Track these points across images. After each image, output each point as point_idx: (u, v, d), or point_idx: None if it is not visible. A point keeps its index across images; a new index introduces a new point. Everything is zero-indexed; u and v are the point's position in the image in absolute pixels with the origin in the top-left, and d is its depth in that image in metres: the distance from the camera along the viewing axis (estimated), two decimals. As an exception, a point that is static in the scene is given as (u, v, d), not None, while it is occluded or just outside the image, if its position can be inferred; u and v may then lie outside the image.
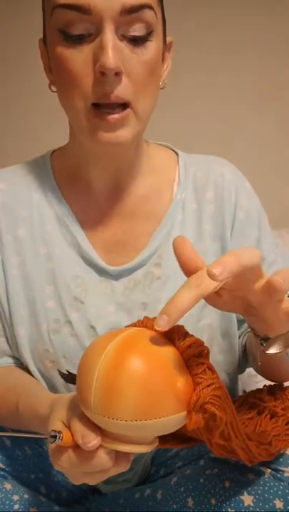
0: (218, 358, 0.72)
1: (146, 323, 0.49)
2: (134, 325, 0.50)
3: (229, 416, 0.48)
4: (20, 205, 0.71)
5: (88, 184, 0.71)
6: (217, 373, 0.47)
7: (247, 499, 0.58)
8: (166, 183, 0.74)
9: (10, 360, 0.73)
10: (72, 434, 0.46)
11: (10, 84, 1.82)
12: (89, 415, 0.44)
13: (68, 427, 0.47)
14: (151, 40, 0.59)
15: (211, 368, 0.47)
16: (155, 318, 0.47)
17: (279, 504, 0.56)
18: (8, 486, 0.65)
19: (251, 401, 0.67)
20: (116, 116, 0.58)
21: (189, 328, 0.49)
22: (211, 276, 0.42)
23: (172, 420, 0.44)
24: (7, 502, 0.63)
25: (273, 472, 0.58)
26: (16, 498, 0.64)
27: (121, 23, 0.56)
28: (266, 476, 0.58)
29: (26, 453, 0.72)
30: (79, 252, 0.70)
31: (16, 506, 0.64)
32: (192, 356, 0.46)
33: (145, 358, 0.43)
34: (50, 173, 0.73)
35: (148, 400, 0.42)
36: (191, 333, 0.49)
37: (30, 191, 0.72)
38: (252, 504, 0.57)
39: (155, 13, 0.58)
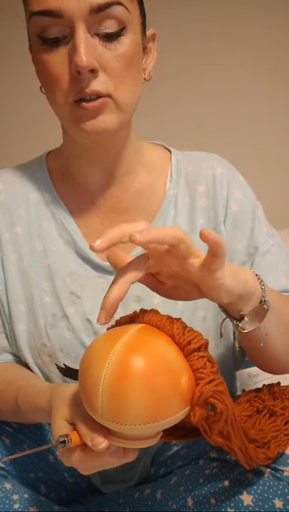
0: (215, 352, 0.73)
1: (142, 317, 0.49)
2: (129, 317, 0.51)
3: (230, 413, 0.49)
4: (17, 205, 0.74)
5: (82, 182, 0.73)
6: (217, 365, 0.48)
7: (246, 499, 0.58)
8: (159, 180, 0.75)
9: (10, 357, 0.74)
10: (79, 435, 0.46)
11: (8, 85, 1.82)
12: (96, 419, 0.45)
13: (73, 424, 0.48)
14: (125, 35, 0.61)
15: (210, 360, 0.48)
16: (152, 310, 0.50)
17: (278, 504, 0.56)
18: (8, 485, 0.65)
19: (250, 399, 0.67)
20: (95, 103, 0.61)
21: (185, 321, 0.50)
22: (131, 238, 0.45)
23: (178, 417, 0.45)
24: (7, 501, 0.63)
25: (273, 472, 0.58)
26: (15, 497, 0.64)
27: (92, 22, 0.59)
28: (266, 475, 0.58)
29: (26, 452, 0.72)
30: (75, 249, 0.72)
31: (16, 506, 0.64)
32: (193, 351, 0.47)
33: (149, 363, 0.43)
34: (46, 173, 0.75)
35: (155, 403, 0.43)
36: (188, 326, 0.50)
37: (27, 191, 0.74)
38: (251, 504, 0.57)
39: (126, 8, 0.60)
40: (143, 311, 0.50)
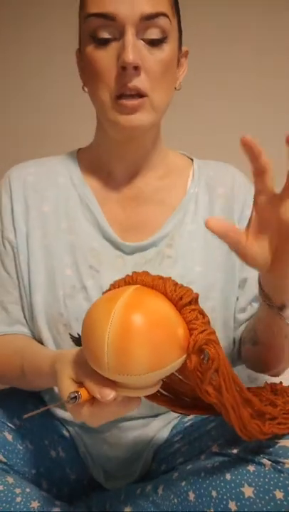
0: None
1: (136, 279, 0.54)
2: (124, 281, 0.55)
3: (221, 364, 0.52)
4: (46, 186, 0.80)
5: (110, 173, 0.80)
6: (208, 316, 0.53)
7: (248, 491, 0.58)
8: (180, 179, 0.83)
9: (22, 329, 0.78)
10: (87, 391, 0.50)
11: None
12: (103, 374, 0.49)
13: (79, 383, 0.52)
14: (166, 43, 0.70)
15: (201, 312, 0.53)
16: (144, 272, 0.55)
17: (279, 495, 0.57)
18: (10, 479, 0.66)
19: (253, 391, 0.68)
20: (134, 101, 0.69)
21: None
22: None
23: (176, 365, 0.50)
24: (9, 494, 0.64)
25: (274, 464, 0.59)
26: (18, 491, 0.65)
27: (140, 28, 0.68)
28: (266, 468, 0.59)
29: (28, 447, 0.73)
30: (98, 228, 0.78)
31: (18, 499, 0.64)
32: (185, 305, 0.52)
33: (148, 318, 0.48)
34: (76, 163, 0.83)
35: (156, 353, 0.48)
36: None
37: (56, 176, 0.82)
38: (252, 495, 0.58)
39: (170, 21, 0.70)
40: (136, 274, 0.55)
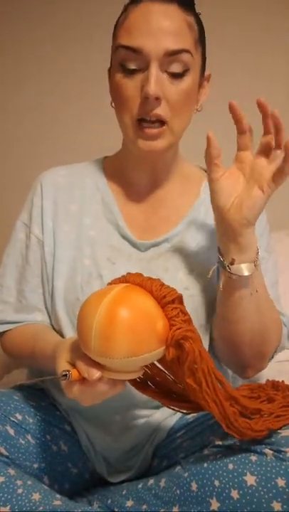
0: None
1: (128, 278, 0.60)
2: (119, 280, 0.61)
3: (197, 357, 0.57)
4: (74, 187, 0.89)
5: (131, 180, 0.88)
6: (189, 315, 0.59)
7: (250, 479, 0.59)
8: (195, 186, 0.90)
9: (39, 318, 0.85)
10: (78, 371, 0.56)
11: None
12: (90, 356, 0.56)
13: (73, 365, 0.58)
14: (187, 76, 0.76)
15: (183, 311, 0.58)
16: (136, 273, 0.61)
17: (281, 482, 0.57)
18: (12, 471, 0.66)
19: (253, 388, 0.69)
20: (154, 130, 0.76)
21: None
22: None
23: (154, 354, 0.56)
24: (11, 486, 0.64)
25: (276, 453, 0.59)
26: (19, 483, 0.65)
27: (164, 62, 0.74)
28: (268, 457, 0.59)
29: (30, 442, 0.73)
30: (116, 228, 0.86)
31: (19, 491, 0.64)
32: (167, 303, 0.57)
33: (131, 310, 0.54)
34: (101, 169, 0.92)
35: (135, 341, 0.54)
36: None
37: (83, 179, 0.91)
38: (255, 484, 0.58)
39: (192, 55, 0.75)
40: (129, 274, 0.61)
